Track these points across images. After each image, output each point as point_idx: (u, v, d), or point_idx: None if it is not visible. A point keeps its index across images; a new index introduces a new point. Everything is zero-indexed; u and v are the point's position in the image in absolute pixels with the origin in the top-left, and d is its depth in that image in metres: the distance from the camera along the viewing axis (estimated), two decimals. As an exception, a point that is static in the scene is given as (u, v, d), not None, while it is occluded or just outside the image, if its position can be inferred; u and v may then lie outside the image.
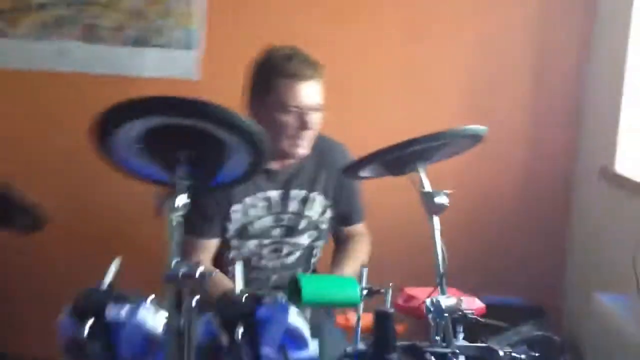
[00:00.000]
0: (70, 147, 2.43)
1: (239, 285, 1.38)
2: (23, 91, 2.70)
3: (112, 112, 1.17)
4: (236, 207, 2.02)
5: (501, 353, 1.48)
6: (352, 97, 2.75)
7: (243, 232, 2.04)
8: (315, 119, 1.96)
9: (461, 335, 1.53)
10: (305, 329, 1.40)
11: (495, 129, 2.69)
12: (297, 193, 2.08)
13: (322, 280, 1.42)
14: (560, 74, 2.81)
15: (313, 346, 1.43)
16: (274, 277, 2.10)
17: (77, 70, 2.69)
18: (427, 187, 1.51)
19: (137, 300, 1.31)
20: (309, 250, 2.13)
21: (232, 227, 2.03)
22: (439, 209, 1.49)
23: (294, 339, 1.39)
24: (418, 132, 1.47)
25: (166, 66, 2.72)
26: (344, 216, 2.19)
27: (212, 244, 2.04)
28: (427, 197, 1.49)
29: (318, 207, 2.11)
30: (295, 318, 1.38)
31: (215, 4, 2.70)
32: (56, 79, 2.70)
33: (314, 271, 2.17)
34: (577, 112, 2.81)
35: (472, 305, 1.63)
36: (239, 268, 1.40)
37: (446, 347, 1.44)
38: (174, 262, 1.21)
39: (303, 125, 1.94)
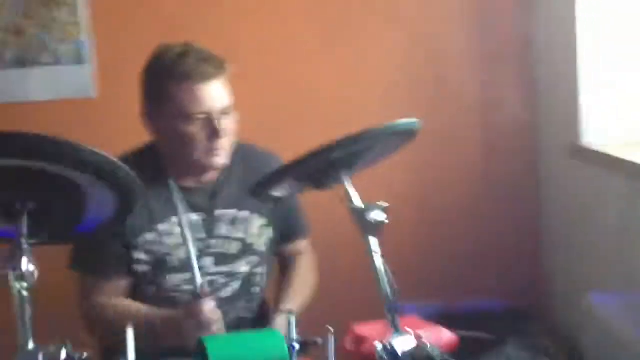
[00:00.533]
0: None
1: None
2: None
3: None
4: (148, 237, 1.67)
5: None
6: (278, 98, 2.44)
7: (161, 266, 1.68)
8: (226, 125, 1.63)
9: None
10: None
11: (446, 120, 2.52)
12: (223, 213, 1.73)
13: (235, 340, 1.10)
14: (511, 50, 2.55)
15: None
16: None
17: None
18: (357, 202, 1.21)
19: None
20: (251, 278, 1.79)
21: (147, 260, 1.68)
22: (376, 227, 1.18)
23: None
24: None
25: (56, 86, 2.36)
26: (283, 233, 1.85)
27: (117, 286, 1.69)
28: (358, 214, 1.19)
29: (252, 228, 1.77)
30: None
31: (98, 10, 2.36)
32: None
33: (261, 305, 1.83)
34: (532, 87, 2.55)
35: (439, 338, 1.32)
36: (129, 334, 1.09)
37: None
38: (29, 346, 0.92)
39: (214, 134, 1.60)
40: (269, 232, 1.80)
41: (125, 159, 1.67)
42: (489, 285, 2.47)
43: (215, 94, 1.61)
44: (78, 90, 2.35)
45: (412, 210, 2.47)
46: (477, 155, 2.57)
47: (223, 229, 1.73)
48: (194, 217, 1.69)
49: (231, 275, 1.75)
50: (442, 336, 1.34)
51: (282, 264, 1.90)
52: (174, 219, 1.67)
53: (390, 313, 1.16)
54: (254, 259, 1.78)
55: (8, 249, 0.93)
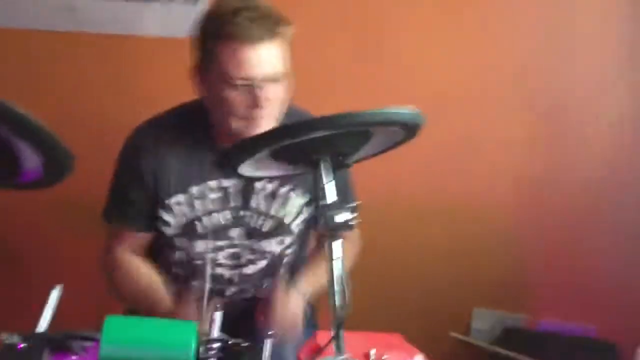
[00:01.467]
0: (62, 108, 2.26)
1: (45, 319, 1.03)
2: (22, 49, 2.44)
3: None
4: (178, 198, 1.61)
5: None
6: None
7: (189, 230, 1.63)
8: (272, 94, 1.49)
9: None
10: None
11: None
12: (263, 185, 1.63)
13: (140, 325, 1.00)
14: None
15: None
16: (232, 290, 1.69)
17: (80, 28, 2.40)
18: (328, 197, 1.05)
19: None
20: (279, 259, 1.70)
21: (174, 223, 1.63)
22: (339, 230, 1.03)
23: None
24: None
25: (168, 22, 2.35)
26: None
27: (137, 237, 1.66)
28: (322, 212, 1.03)
29: (292, 207, 1.66)
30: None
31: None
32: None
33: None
34: None
35: (405, 365, 1.15)
36: (53, 295, 1.05)
37: None
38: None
39: (254, 103, 1.47)
40: (308, 212, 1.67)
41: (170, 113, 1.66)
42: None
43: (261, 59, 1.46)
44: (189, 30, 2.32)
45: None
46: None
47: (259, 202, 1.64)
48: (230, 183, 1.62)
49: (259, 253, 1.66)
50: (410, 361, 1.16)
51: (317, 243, 1.78)
52: (210, 183, 1.60)
53: (336, 328, 1.02)
54: (287, 239, 1.67)
55: None
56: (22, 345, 0.93)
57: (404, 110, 1.06)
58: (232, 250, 1.64)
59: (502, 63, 2.29)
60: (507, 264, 2.32)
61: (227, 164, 1.18)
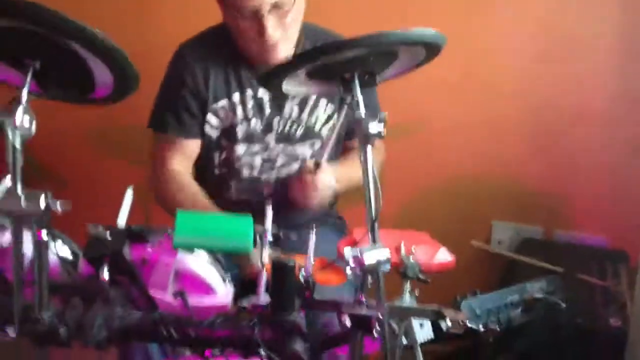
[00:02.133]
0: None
1: (123, 215, 1.19)
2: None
3: None
4: (222, 103, 1.78)
5: (449, 322, 1.18)
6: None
7: (230, 134, 1.80)
8: (279, 20, 1.61)
9: (407, 295, 1.24)
10: (210, 274, 1.20)
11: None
12: (294, 94, 1.77)
13: (205, 219, 1.16)
14: None
15: (224, 292, 1.23)
16: (266, 192, 1.86)
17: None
18: (361, 111, 1.18)
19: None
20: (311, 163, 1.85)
21: (219, 125, 1.80)
22: (372, 138, 1.17)
23: (196, 285, 1.20)
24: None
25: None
26: (350, 127, 1.83)
27: (188, 145, 1.82)
28: (357, 123, 1.17)
29: (321, 114, 1.81)
30: (194, 262, 1.17)
31: None
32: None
33: None
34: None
35: (432, 259, 1.30)
36: (128, 194, 1.21)
37: (373, 308, 1.16)
38: (17, 190, 1.03)
39: (260, 32, 1.61)
40: (335, 120, 1.82)
41: (209, 31, 1.80)
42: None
43: None
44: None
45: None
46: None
47: (290, 109, 1.78)
48: (263, 92, 1.76)
49: (293, 157, 1.81)
50: (437, 256, 1.31)
51: (344, 155, 1.93)
52: (248, 92, 1.76)
53: (370, 222, 1.16)
54: (317, 143, 1.82)
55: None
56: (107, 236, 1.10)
57: (429, 31, 1.17)
58: (267, 154, 1.81)
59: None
60: (524, 179, 2.43)
61: (267, 83, 1.30)
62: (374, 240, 1.15)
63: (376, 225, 1.15)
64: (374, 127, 1.15)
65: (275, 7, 1.59)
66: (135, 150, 2.46)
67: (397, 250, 1.28)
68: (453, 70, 2.30)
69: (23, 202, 1.02)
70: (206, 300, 1.23)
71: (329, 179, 1.68)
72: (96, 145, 2.67)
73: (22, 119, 1.02)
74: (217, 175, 1.86)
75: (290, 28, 1.65)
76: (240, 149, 1.80)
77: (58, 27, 0.97)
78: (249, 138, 1.80)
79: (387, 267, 1.10)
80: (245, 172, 1.83)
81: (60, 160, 2.63)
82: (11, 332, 1.09)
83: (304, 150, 1.83)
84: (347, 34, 1.20)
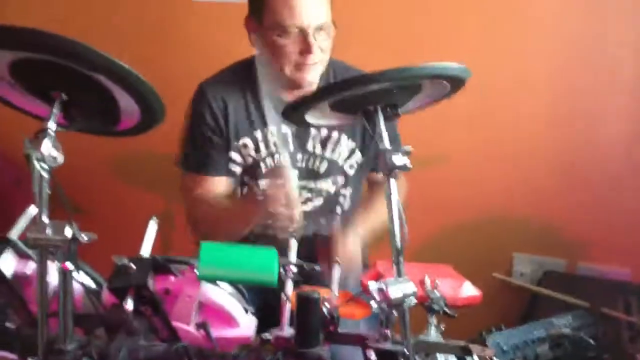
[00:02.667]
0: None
1: (147, 246, 1.19)
2: (89, 12, 2.60)
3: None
4: (245, 140, 1.79)
5: (476, 358, 1.16)
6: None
7: (254, 170, 1.82)
8: (322, 41, 1.65)
9: (433, 329, 1.22)
10: (232, 306, 1.20)
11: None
12: (317, 131, 1.80)
13: (230, 250, 1.15)
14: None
15: (247, 324, 1.22)
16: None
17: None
18: (385, 143, 1.18)
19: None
20: (334, 198, 1.86)
21: (242, 163, 1.82)
22: (397, 170, 1.16)
23: (219, 317, 1.20)
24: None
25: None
26: (371, 160, 1.87)
27: (214, 182, 1.83)
28: (381, 156, 1.17)
29: (343, 150, 1.82)
30: (217, 294, 1.17)
31: None
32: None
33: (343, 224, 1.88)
34: None
35: (458, 293, 1.29)
36: (152, 225, 1.21)
37: (399, 343, 1.14)
38: (43, 219, 1.03)
39: (305, 49, 1.64)
40: (358, 156, 1.82)
41: (229, 69, 1.81)
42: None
43: (312, 8, 1.61)
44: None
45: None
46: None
47: (313, 146, 1.79)
48: (287, 129, 1.76)
49: (316, 192, 1.81)
50: (463, 290, 1.30)
51: (369, 188, 1.93)
52: (271, 128, 1.76)
53: (396, 255, 1.15)
54: (340, 179, 1.82)
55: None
56: (131, 267, 1.09)
57: (454, 65, 1.17)
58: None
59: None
60: (546, 212, 2.41)
61: (292, 114, 1.30)
62: (399, 274, 1.14)
63: (401, 258, 1.14)
64: (399, 159, 1.14)
65: (320, 29, 1.63)
66: (151, 179, 2.48)
67: (422, 283, 1.27)
68: (475, 104, 2.29)
69: (49, 232, 1.02)
70: (229, 332, 1.23)
71: (357, 247, 1.68)
72: (112, 173, 2.69)
73: (49, 150, 1.03)
74: None
75: (326, 52, 1.68)
76: (265, 184, 1.81)
77: (85, 60, 0.98)
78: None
79: (413, 301, 1.09)
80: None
81: (75, 187, 2.65)
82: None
83: (327, 185, 1.84)
84: (367, 67, 1.20)
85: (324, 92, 1.23)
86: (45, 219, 1.04)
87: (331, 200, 1.86)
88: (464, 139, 2.41)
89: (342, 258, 1.62)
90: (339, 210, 1.88)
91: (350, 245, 1.65)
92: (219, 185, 1.84)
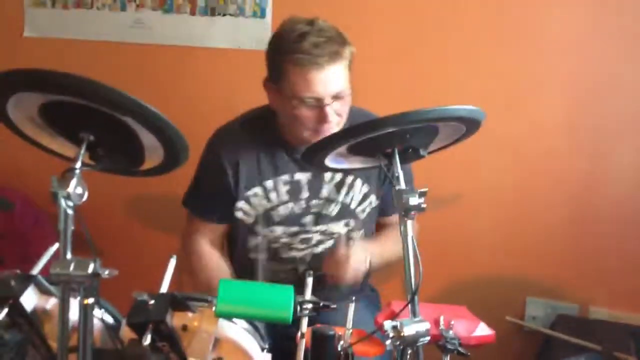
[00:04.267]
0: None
1: (166, 283, 1.21)
2: (99, 61, 2.67)
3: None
4: (255, 190, 1.81)
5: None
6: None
7: (267, 219, 1.83)
8: (339, 108, 1.68)
9: (446, 368, 1.23)
10: (248, 343, 1.22)
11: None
12: (331, 176, 1.82)
13: (247, 288, 1.18)
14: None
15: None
16: (303, 267, 1.88)
17: (151, 41, 2.63)
18: (401, 183, 1.21)
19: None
20: (345, 240, 1.88)
21: (253, 212, 1.83)
22: (412, 211, 1.19)
23: (235, 353, 1.21)
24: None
25: (237, 36, 2.55)
26: (387, 204, 1.91)
27: (216, 228, 1.88)
28: (397, 196, 1.19)
29: (357, 194, 1.84)
30: (233, 331, 1.19)
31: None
32: (129, 49, 2.66)
33: None
34: None
35: (471, 332, 1.30)
36: (171, 263, 1.24)
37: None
38: (67, 256, 1.06)
39: (322, 119, 1.66)
40: (372, 200, 1.85)
41: (244, 117, 1.86)
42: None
43: (327, 80, 1.62)
44: (257, 42, 2.43)
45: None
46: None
47: (330, 191, 1.82)
48: (301, 176, 1.80)
49: (327, 234, 1.84)
50: (477, 330, 1.31)
51: (378, 231, 1.96)
52: (282, 177, 1.79)
53: (411, 294, 1.17)
54: (352, 222, 1.84)
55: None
56: (150, 302, 1.12)
57: (466, 107, 1.21)
58: (304, 236, 1.84)
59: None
60: (558, 257, 2.42)
61: (311, 158, 1.33)
62: (414, 313, 1.16)
63: (416, 298, 1.16)
64: (414, 200, 1.17)
65: (336, 97, 1.65)
66: (166, 220, 2.51)
67: (436, 323, 1.28)
68: (490, 146, 2.32)
69: (72, 268, 1.05)
70: (245, 369, 1.24)
71: (363, 255, 1.71)
72: (127, 215, 2.73)
73: (75, 189, 1.06)
74: (251, 259, 1.89)
75: (344, 116, 1.71)
76: (278, 231, 1.84)
77: (114, 103, 1.02)
78: (286, 221, 1.84)
79: (427, 339, 1.10)
80: (284, 253, 1.86)
81: (92, 228, 2.69)
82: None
83: (339, 228, 1.86)
84: (384, 112, 1.24)
85: (339, 137, 1.26)
86: (69, 255, 1.07)
87: (342, 242, 1.87)
88: (481, 179, 2.43)
89: (344, 263, 1.69)
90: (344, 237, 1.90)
91: (355, 254, 1.70)
92: (217, 231, 1.89)
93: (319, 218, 1.84)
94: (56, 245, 1.27)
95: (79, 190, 1.07)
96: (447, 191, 2.43)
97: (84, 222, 1.08)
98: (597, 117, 2.32)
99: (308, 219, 1.84)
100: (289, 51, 1.62)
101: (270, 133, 1.81)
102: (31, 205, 2.59)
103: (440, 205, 2.37)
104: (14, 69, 1.01)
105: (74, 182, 1.06)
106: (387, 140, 1.21)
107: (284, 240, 1.85)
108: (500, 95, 2.37)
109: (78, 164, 1.08)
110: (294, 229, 1.84)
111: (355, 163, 1.35)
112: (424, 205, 1.18)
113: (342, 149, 1.27)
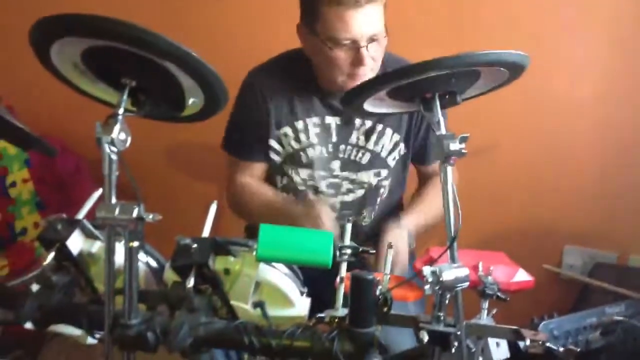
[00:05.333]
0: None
1: (207, 227, 1.23)
2: (135, 6, 2.63)
3: (38, 27, 1.04)
4: (286, 130, 1.83)
5: (527, 341, 1.18)
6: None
7: (295, 159, 1.86)
8: (374, 51, 1.66)
9: (485, 314, 1.24)
10: (289, 287, 1.23)
11: None
12: (361, 122, 1.82)
13: (287, 233, 1.19)
14: None
15: (302, 305, 1.26)
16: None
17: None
18: (442, 129, 1.20)
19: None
20: (375, 190, 1.88)
21: (282, 152, 1.86)
22: (452, 157, 1.18)
23: (275, 297, 1.23)
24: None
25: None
26: (417, 153, 1.91)
27: (255, 167, 1.90)
28: (438, 141, 1.18)
29: (387, 142, 1.84)
30: (274, 275, 1.21)
31: None
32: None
33: (380, 212, 1.91)
34: None
35: (510, 278, 1.30)
36: (212, 209, 1.25)
37: (452, 326, 1.16)
38: (112, 200, 1.08)
39: (358, 61, 1.65)
40: (402, 149, 1.84)
41: (278, 58, 1.85)
42: None
43: (365, 21, 1.60)
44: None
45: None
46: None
47: (357, 137, 1.81)
48: (332, 120, 1.80)
49: (357, 183, 1.84)
50: (516, 276, 1.31)
51: (420, 182, 1.94)
52: (313, 119, 1.80)
53: (450, 240, 1.17)
54: (383, 171, 1.84)
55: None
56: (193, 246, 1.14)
57: (514, 52, 1.17)
58: (332, 180, 1.85)
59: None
60: (596, 205, 2.40)
61: (351, 102, 1.32)
62: (452, 259, 1.16)
63: (455, 244, 1.16)
64: (454, 145, 1.16)
65: (372, 40, 1.64)
66: (203, 168, 2.53)
67: (475, 269, 1.29)
68: (531, 94, 2.28)
69: (117, 213, 1.07)
70: (284, 312, 1.27)
71: (407, 244, 1.71)
72: (165, 163, 2.76)
73: (118, 135, 1.07)
74: None
75: (378, 61, 1.70)
76: (304, 173, 1.86)
77: (155, 48, 1.02)
78: (314, 164, 1.85)
79: (466, 284, 1.11)
80: (310, 197, 1.87)
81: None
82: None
83: (369, 177, 1.86)
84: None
85: (383, 80, 1.24)
86: (113, 199, 1.09)
87: (372, 192, 1.89)
88: (517, 127, 2.41)
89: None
90: (378, 200, 1.90)
91: (398, 240, 1.68)
92: (256, 170, 1.91)
93: (348, 164, 1.85)
94: (100, 191, 1.29)
95: (122, 136, 1.08)
96: (485, 137, 2.39)
97: (127, 167, 1.10)
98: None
99: (336, 164, 1.85)
100: None
101: (304, 76, 1.81)
102: (71, 152, 2.63)
103: (480, 151, 2.35)
104: (57, 15, 1.02)
105: (117, 127, 1.07)
106: (429, 84, 1.19)
107: (310, 183, 1.86)
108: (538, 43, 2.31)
109: (121, 110, 1.09)
110: (321, 172, 1.86)
111: (394, 108, 1.33)
112: (464, 151, 1.16)
113: (382, 94, 1.25)
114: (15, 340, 2.05)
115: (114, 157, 1.08)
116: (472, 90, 1.27)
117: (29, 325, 1.22)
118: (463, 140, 1.17)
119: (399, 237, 1.69)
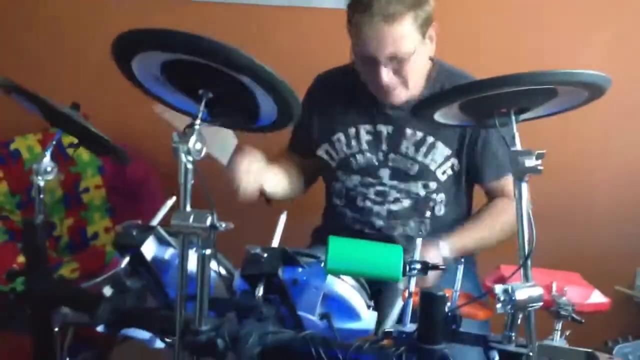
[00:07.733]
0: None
1: (277, 237, 1.25)
2: (214, 21, 2.70)
3: (121, 41, 1.08)
4: (339, 135, 1.89)
5: (603, 364, 1.14)
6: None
7: (346, 165, 1.90)
8: (399, 70, 1.70)
9: (558, 334, 1.21)
10: (356, 299, 1.24)
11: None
12: (411, 133, 1.83)
13: (357, 246, 1.19)
14: None
15: (368, 318, 1.26)
16: (379, 223, 1.90)
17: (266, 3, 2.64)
18: (517, 145, 1.17)
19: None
20: (424, 202, 1.87)
21: (336, 157, 1.91)
22: (527, 173, 1.15)
23: (342, 309, 1.24)
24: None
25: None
26: (470, 169, 1.87)
27: (293, 156, 2.01)
28: (512, 157, 1.16)
29: (437, 156, 1.83)
30: (341, 287, 1.22)
31: None
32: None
33: (435, 229, 1.88)
34: None
35: (585, 299, 1.27)
36: (282, 218, 1.27)
37: (523, 346, 1.14)
38: (187, 208, 1.10)
39: (376, 76, 1.70)
40: (455, 165, 1.82)
41: (344, 66, 1.89)
42: None
43: (381, 40, 1.64)
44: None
45: None
46: None
47: (408, 147, 1.82)
48: (383, 128, 1.83)
49: (404, 193, 1.84)
50: (592, 297, 1.28)
51: (488, 200, 1.92)
52: (365, 126, 1.85)
53: (523, 258, 1.15)
54: (432, 184, 1.83)
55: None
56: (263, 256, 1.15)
57: (598, 73, 1.14)
58: (380, 188, 1.87)
59: None
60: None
61: (422, 111, 1.31)
62: (526, 278, 1.14)
63: (529, 262, 1.13)
64: (531, 161, 1.13)
65: (392, 58, 1.67)
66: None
67: (548, 289, 1.26)
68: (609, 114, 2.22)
69: (191, 221, 1.09)
70: (351, 325, 1.26)
71: (435, 253, 1.68)
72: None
73: (194, 144, 1.09)
74: (335, 205, 1.96)
75: (409, 76, 1.72)
76: (355, 179, 1.89)
77: (232, 62, 1.05)
78: (364, 170, 1.88)
79: (540, 304, 1.08)
80: (360, 202, 1.89)
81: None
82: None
83: (418, 188, 1.86)
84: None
85: (457, 91, 1.24)
86: (188, 207, 1.11)
87: (421, 203, 1.87)
88: (592, 146, 2.36)
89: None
90: (428, 214, 1.88)
91: (432, 257, 1.65)
92: (293, 158, 2.03)
93: (397, 174, 1.85)
94: (173, 198, 1.32)
95: (198, 145, 1.10)
96: (559, 155, 2.34)
97: (202, 176, 1.12)
98: None
99: (385, 172, 1.87)
100: (352, 8, 1.69)
101: (360, 84, 1.85)
102: (143, 162, 2.69)
103: (553, 170, 2.30)
104: (138, 29, 1.05)
105: (193, 137, 1.09)
106: (503, 101, 1.17)
107: (361, 190, 1.89)
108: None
109: (198, 120, 1.11)
110: (370, 179, 1.88)
111: (465, 121, 1.32)
112: (540, 167, 1.14)
113: (453, 106, 1.24)
114: (85, 342, 2.10)
115: (189, 166, 1.10)
116: (548, 107, 1.24)
117: (100, 328, 1.25)
118: (540, 156, 1.15)
119: (433, 257, 1.65)
